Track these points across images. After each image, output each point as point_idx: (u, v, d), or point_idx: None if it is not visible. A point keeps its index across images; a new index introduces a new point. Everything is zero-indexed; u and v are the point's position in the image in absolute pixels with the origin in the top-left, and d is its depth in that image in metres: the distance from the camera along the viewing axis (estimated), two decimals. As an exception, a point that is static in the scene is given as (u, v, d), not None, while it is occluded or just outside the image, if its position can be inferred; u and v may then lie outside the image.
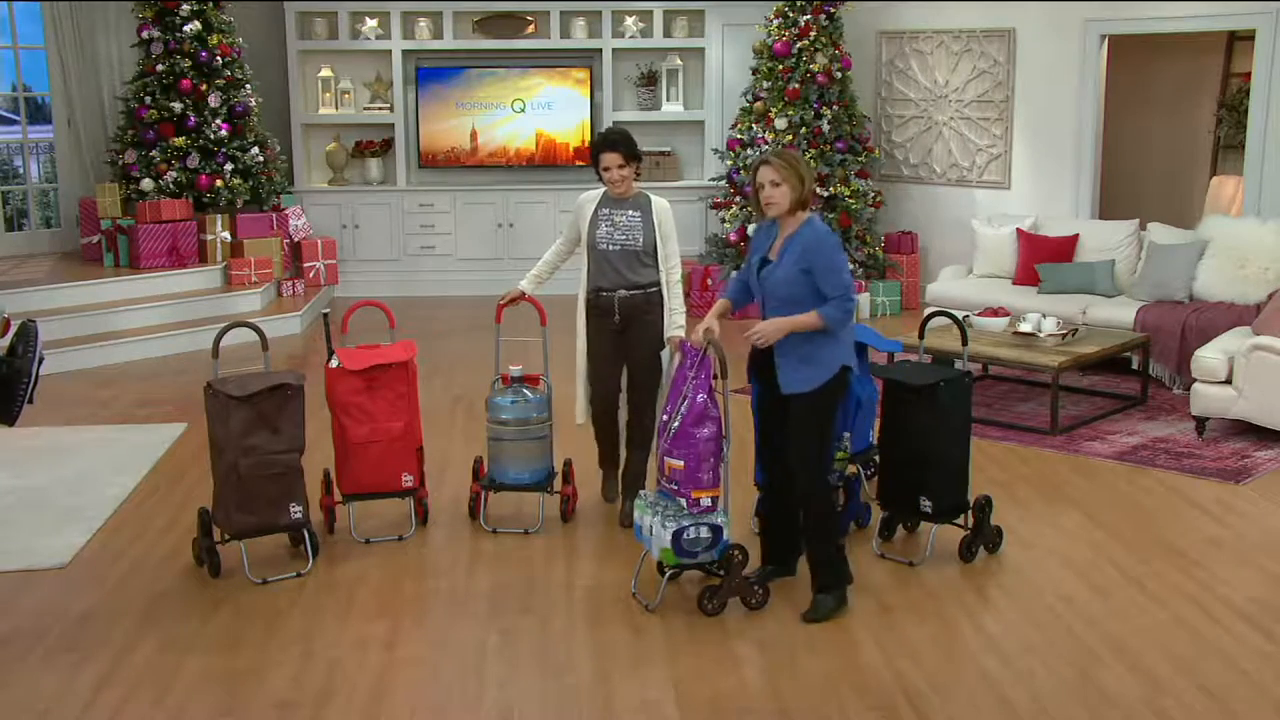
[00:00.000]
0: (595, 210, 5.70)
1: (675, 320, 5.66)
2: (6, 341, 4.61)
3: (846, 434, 5.55)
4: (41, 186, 11.14)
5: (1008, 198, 10.34)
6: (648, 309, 5.68)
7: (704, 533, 4.81)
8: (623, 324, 5.68)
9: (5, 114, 11.24)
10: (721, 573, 4.93)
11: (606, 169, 5.62)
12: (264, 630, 4.79)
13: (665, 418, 4.93)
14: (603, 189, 5.74)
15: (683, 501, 4.82)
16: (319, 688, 4.35)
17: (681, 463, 4.80)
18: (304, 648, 4.64)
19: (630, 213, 5.65)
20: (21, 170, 11.22)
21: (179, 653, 4.61)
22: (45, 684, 4.39)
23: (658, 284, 5.68)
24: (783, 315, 4.75)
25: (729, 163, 10.68)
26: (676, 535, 4.78)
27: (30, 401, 4.53)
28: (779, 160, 4.74)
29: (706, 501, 4.83)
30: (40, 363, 4.55)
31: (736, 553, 4.90)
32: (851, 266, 10.24)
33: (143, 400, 8.05)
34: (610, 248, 5.64)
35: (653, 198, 5.72)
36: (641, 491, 5.11)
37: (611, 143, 5.63)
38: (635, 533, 4.99)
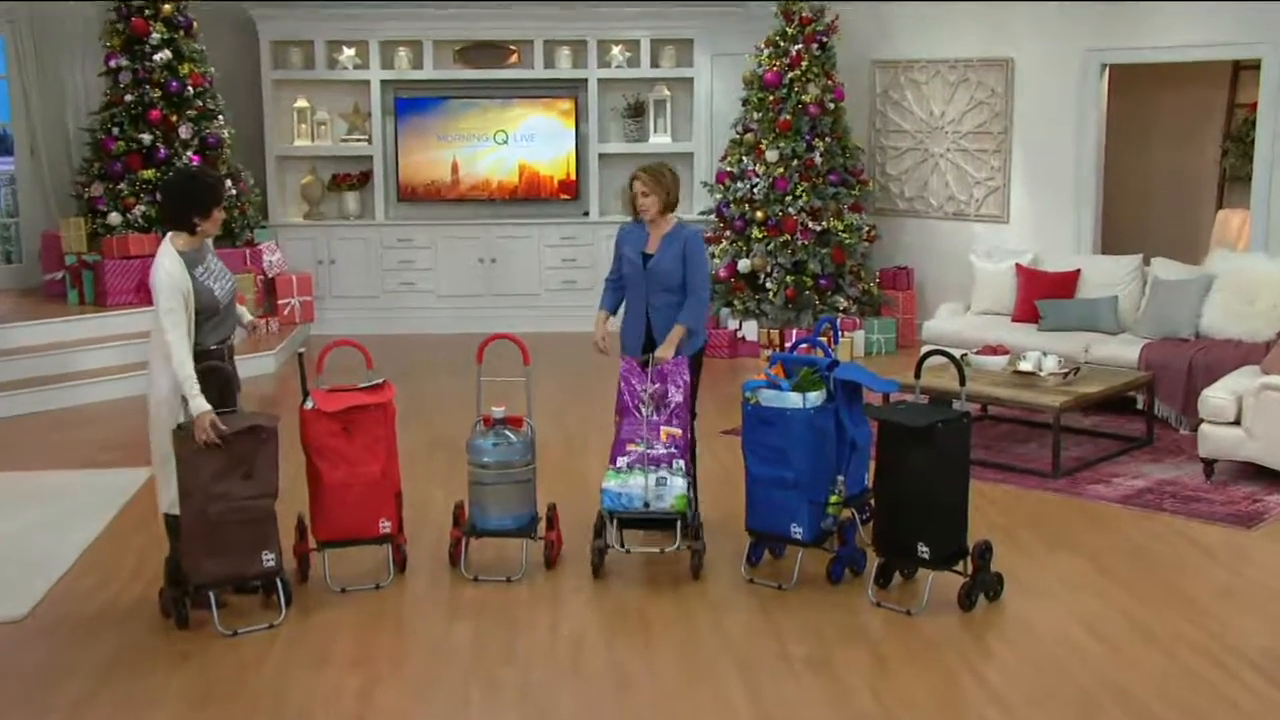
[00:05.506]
0: (193, 272, 5.26)
1: (246, 317, 5.63)
2: None
3: (840, 477, 5.56)
4: (2, 220, 11.14)
5: (1006, 232, 10.38)
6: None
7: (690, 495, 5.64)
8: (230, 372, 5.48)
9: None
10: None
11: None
12: (233, 684, 4.76)
13: (647, 393, 5.71)
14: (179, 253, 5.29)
15: (682, 464, 5.59)
16: (291, 744, 4.33)
17: (680, 431, 5.65)
18: (275, 703, 4.61)
19: (212, 257, 5.42)
20: (-18, 203, 11.23)
21: (141, 709, 4.58)
22: (2, 742, 4.37)
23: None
24: (665, 298, 5.89)
25: (718, 196, 10.72)
26: (689, 486, 5.59)
27: None
28: (646, 174, 5.92)
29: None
30: None
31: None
32: (845, 305, 10.35)
33: (107, 444, 8.02)
34: (227, 299, 5.43)
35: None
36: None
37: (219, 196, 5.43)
38: (609, 499, 5.59)
